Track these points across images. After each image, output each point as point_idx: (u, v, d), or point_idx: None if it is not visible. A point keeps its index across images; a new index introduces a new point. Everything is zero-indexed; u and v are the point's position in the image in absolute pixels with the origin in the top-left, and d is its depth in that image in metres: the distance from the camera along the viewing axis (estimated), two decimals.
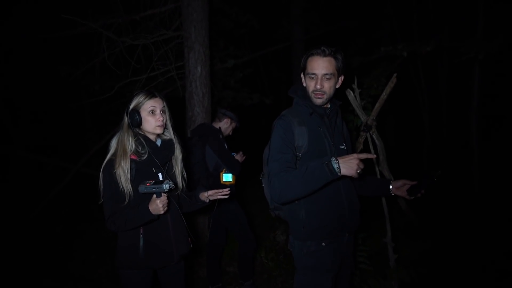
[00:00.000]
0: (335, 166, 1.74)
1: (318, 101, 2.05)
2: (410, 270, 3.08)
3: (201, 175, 3.45)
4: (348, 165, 1.73)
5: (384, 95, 3.12)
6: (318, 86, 2.01)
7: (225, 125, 3.71)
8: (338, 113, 2.21)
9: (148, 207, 1.96)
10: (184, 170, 2.34)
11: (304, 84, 2.11)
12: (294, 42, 7.65)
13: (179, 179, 2.28)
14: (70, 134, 8.06)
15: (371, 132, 3.22)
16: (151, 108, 2.09)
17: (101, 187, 2.05)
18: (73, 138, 7.94)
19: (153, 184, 1.93)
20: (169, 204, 2.03)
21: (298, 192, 1.86)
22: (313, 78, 2.02)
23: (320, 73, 2.00)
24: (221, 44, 6.14)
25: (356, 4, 8.20)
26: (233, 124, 3.79)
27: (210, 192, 2.29)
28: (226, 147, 3.54)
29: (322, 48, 2.01)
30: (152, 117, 2.10)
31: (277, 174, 1.90)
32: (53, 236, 5.30)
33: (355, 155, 1.76)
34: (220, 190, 2.28)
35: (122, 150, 2.04)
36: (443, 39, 3.79)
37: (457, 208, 5.54)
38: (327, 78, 2.01)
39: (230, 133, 3.81)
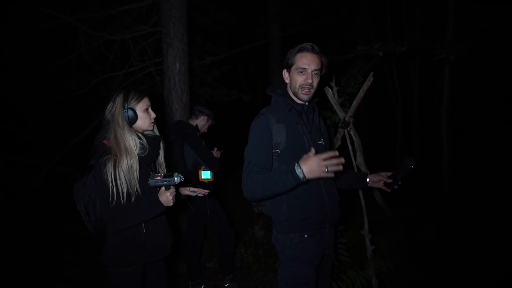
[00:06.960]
0: (299, 172, 1.74)
1: (305, 97, 2.09)
2: (386, 261, 3.18)
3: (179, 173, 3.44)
4: (310, 168, 1.71)
5: (361, 93, 3.21)
6: (310, 81, 2.04)
7: (201, 122, 3.71)
8: (315, 110, 2.26)
9: (160, 200, 2.01)
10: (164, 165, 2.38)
11: (287, 80, 2.15)
12: (271, 40, 7.71)
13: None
14: (44, 131, 7.78)
15: (348, 128, 3.30)
16: (146, 106, 2.15)
17: (101, 187, 1.98)
18: (48, 135, 7.67)
19: (163, 177, 1.97)
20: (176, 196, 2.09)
21: (267, 194, 1.91)
22: (302, 73, 2.05)
23: (310, 68, 2.04)
24: (198, 41, 6.10)
25: (332, 4, 8.34)
26: (210, 122, 3.79)
27: (192, 189, 2.45)
28: (204, 144, 3.56)
29: (311, 44, 2.06)
30: (147, 115, 2.15)
31: (250, 174, 1.94)
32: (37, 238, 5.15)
33: (311, 154, 1.73)
34: (201, 189, 2.45)
35: (125, 148, 2.02)
36: (416, 40, 3.90)
37: (428, 201, 5.77)
38: (315, 74, 2.07)
39: (206, 131, 3.82)
